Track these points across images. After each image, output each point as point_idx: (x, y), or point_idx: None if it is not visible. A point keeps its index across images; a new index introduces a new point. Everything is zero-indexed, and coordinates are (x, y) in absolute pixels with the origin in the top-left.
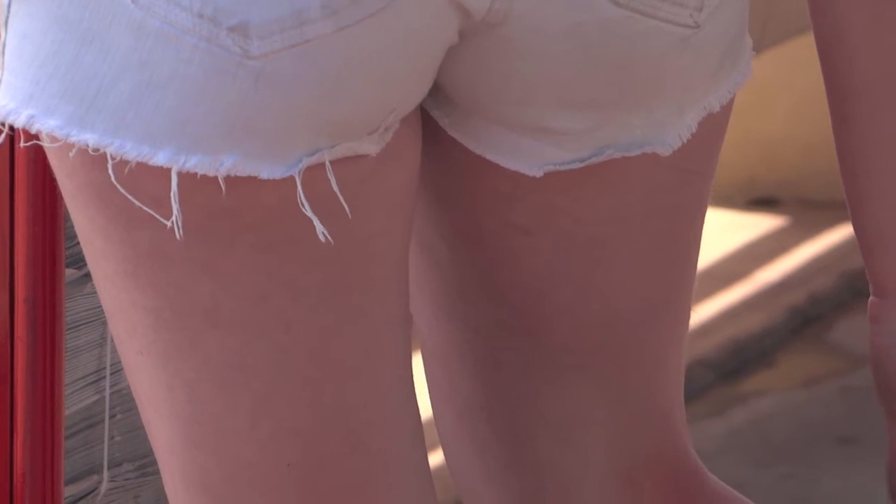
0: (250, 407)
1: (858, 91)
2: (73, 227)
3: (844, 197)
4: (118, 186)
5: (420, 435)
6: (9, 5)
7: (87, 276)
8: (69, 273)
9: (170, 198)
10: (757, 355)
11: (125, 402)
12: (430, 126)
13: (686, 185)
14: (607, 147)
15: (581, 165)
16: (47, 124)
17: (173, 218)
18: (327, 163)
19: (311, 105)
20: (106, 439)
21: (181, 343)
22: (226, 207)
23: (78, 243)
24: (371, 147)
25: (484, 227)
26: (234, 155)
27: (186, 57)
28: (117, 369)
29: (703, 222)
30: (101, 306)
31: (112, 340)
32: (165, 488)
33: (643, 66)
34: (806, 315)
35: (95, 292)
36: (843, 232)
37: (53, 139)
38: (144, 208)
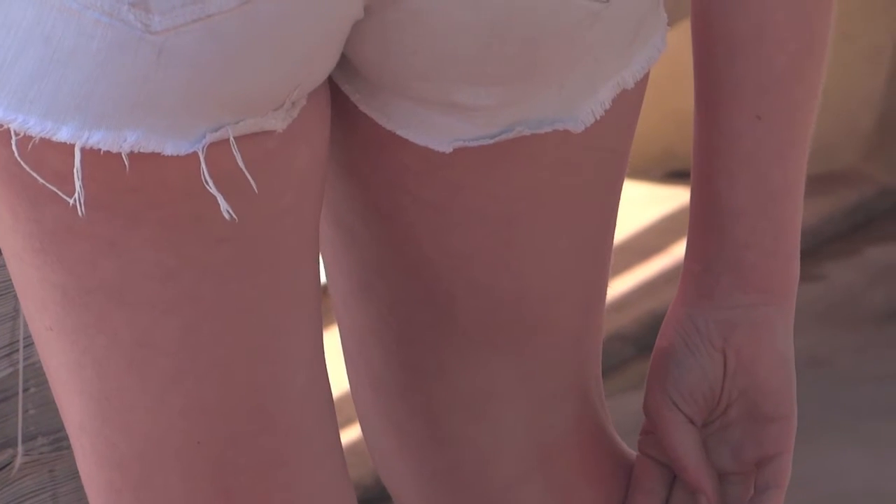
0: (159, 384)
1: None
2: None
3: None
4: (21, 163)
5: (331, 413)
6: None
7: None
8: None
9: (73, 174)
10: None
11: (39, 376)
12: (339, 100)
13: (600, 162)
14: (517, 124)
15: (491, 142)
16: None
17: (75, 195)
18: (231, 139)
19: (215, 80)
20: (20, 413)
21: (89, 320)
22: (131, 184)
23: None
24: (277, 123)
25: (396, 203)
26: (137, 131)
27: (88, 32)
28: (30, 342)
29: (618, 199)
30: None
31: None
32: (78, 466)
33: (552, 42)
34: None
35: (5, 265)
36: None
37: None
38: (48, 185)
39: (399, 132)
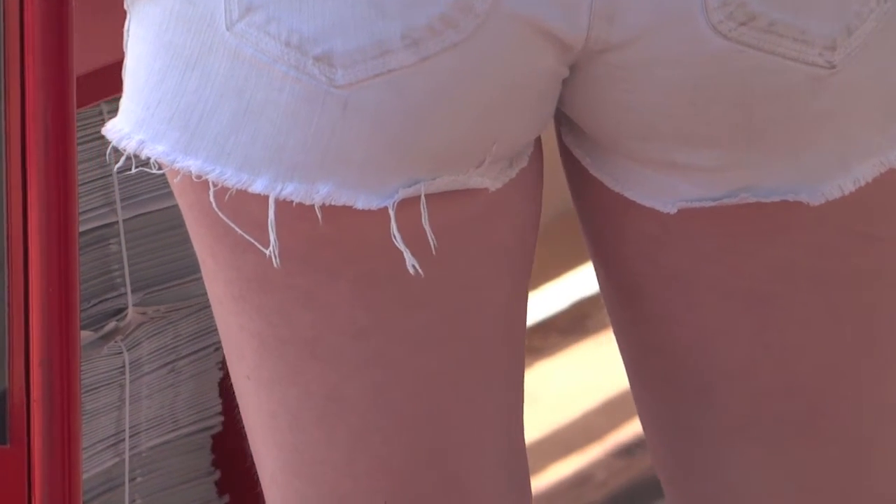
0: (347, 441)
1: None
2: (87, 288)
3: None
4: (219, 213)
5: (524, 483)
6: (128, 29)
7: (104, 338)
8: (86, 335)
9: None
10: None
11: (145, 465)
12: (576, 169)
13: (868, 250)
14: (743, 190)
15: (712, 204)
16: (155, 150)
17: (270, 246)
18: (422, 196)
19: (399, 134)
20: (126, 503)
21: (284, 371)
22: (327, 237)
23: (94, 305)
24: (485, 181)
25: (640, 273)
26: (328, 184)
27: (278, 85)
28: (136, 432)
29: None
30: (118, 368)
31: (129, 403)
32: None
33: (764, 105)
34: None
35: (113, 354)
36: None
37: (161, 165)
38: (245, 235)
39: (626, 193)
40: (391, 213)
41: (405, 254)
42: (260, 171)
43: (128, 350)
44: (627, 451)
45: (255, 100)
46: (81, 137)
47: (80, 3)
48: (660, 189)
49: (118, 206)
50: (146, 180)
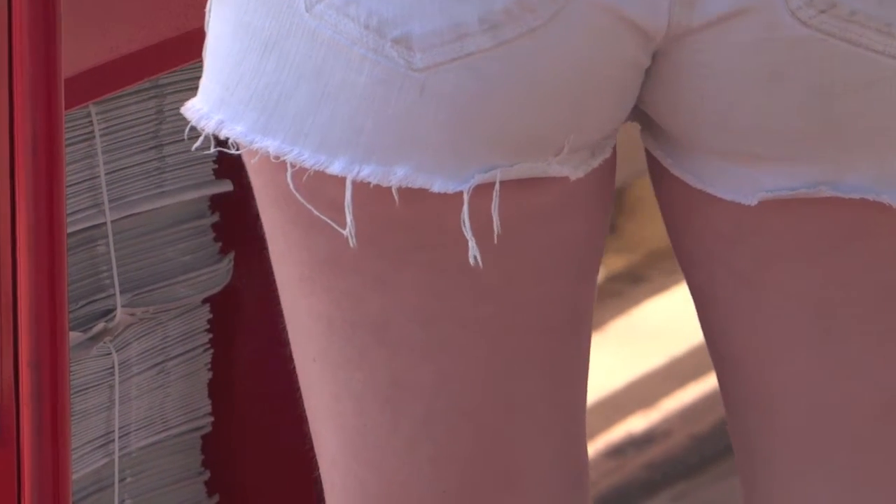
0: (410, 428)
1: None
2: (76, 290)
3: None
4: (295, 194)
5: (583, 484)
6: (210, 8)
7: (93, 339)
8: (75, 336)
9: (345, 206)
10: None
11: (135, 466)
12: (656, 171)
13: None
14: (822, 183)
15: (790, 194)
16: (234, 130)
17: (347, 227)
18: (497, 183)
19: (476, 119)
20: (116, 503)
21: (350, 354)
22: (401, 221)
23: (82, 306)
24: (564, 170)
25: (712, 277)
26: (406, 167)
27: (356, 67)
28: (126, 432)
29: None
30: (107, 369)
31: (119, 403)
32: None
33: (844, 97)
34: None
35: (102, 355)
36: None
37: (239, 145)
38: (322, 216)
39: (708, 189)
40: (465, 198)
41: (470, 243)
42: (337, 153)
43: (117, 351)
44: (618, 451)
45: (333, 82)
46: (69, 139)
47: (69, 4)
48: (740, 181)
49: (106, 207)
50: (134, 182)
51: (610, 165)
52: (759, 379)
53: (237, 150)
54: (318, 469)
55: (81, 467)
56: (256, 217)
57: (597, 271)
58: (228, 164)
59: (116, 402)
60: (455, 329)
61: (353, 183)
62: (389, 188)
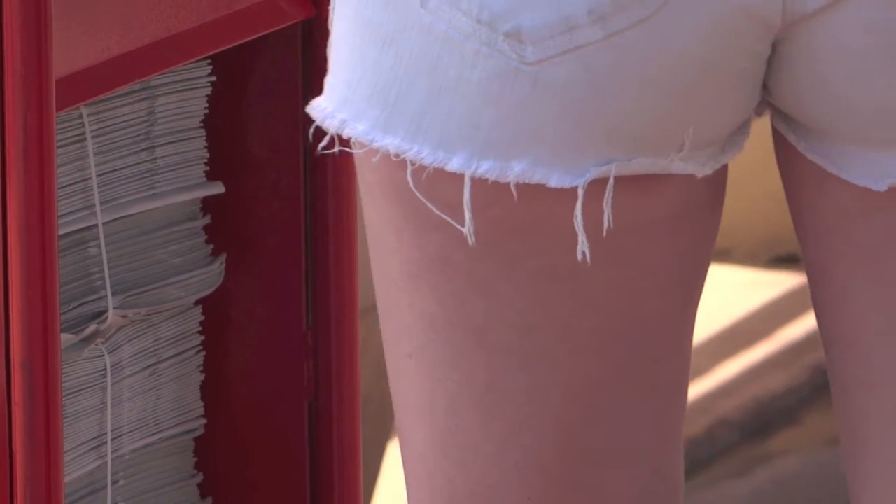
0: (501, 432)
1: None
2: (67, 292)
3: None
4: (415, 192)
5: (675, 495)
6: (333, 7)
7: (85, 341)
8: (67, 338)
9: (462, 205)
10: (781, 415)
11: (127, 468)
12: (783, 150)
13: None
14: None
15: None
16: (356, 129)
17: (466, 224)
18: (611, 177)
19: (589, 111)
20: None
21: (449, 354)
22: (514, 225)
23: (74, 308)
24: (688, 166)
25: (833, 252)
26: (523, 162)
27: (470, 62)
28: (118, 435)
29: None
30: (99, 371)
31: (111, 406)
32: (407, 497)
33: None
34: None
35: (94, 357)
36: None
37: (360, 144)
38: (441, 214)
39: (842, 175)
40: (580, 192)
41: (580, 237)
42: (456, 149)
43: (109, 353)
44: None
45: (448, 77)
46: (61, 140)
47: (60, 5)
48: (869, 167)
49: (98, 209)
50: (126, 183)
51: (724, 171)
52: (869, 359)
53: (360, 148)
54: (312, 471)
55: (74, 470)
56: (248, 219)
57: (701, 291)
58: (220, 165)
59: (108, 404)
60: (554, 339)
61: (472, 181)
62: (504, 188)
